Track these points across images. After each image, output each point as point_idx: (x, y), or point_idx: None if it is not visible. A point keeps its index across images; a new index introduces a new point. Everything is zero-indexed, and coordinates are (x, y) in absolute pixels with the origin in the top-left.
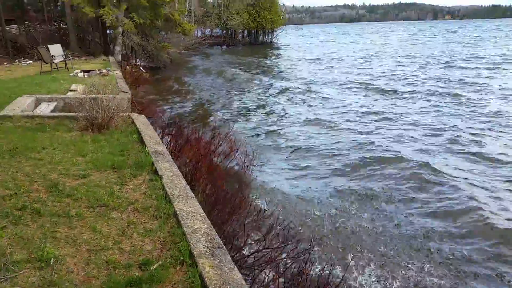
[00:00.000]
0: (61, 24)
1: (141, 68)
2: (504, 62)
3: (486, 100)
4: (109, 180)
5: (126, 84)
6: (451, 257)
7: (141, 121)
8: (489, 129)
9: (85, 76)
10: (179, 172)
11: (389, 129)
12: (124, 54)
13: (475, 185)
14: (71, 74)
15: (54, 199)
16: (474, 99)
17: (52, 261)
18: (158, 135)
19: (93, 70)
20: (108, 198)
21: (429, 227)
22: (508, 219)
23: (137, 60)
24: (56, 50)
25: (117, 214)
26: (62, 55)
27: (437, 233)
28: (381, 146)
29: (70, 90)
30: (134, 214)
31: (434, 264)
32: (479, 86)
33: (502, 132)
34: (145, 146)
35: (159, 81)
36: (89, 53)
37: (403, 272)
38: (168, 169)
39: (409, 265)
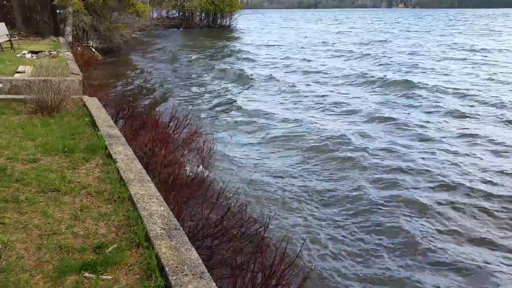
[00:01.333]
0: (4, 1)
1: (93, 50)
2: None
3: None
4: (61, 164)
5: (77, 66)
6: None
7: (93, 104)
8: None
9: (33, 57)
10: (134, 156)
11: None
12: (75, 35)
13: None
14: (18, 55)
15: (2, 184)
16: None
17: (0, 247)
18: (112, 118)
19: (42, 51)
20: (59, 182)
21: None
22: None
23: (89, 41)
24: None
25: (69, 199)
26: (7, 35)
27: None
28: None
29: (17, 72)
30: (87, 198)
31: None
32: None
33: None
34: (98, 129)
35: (112, 63)
36: (38, 33)
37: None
38: (122, 152)
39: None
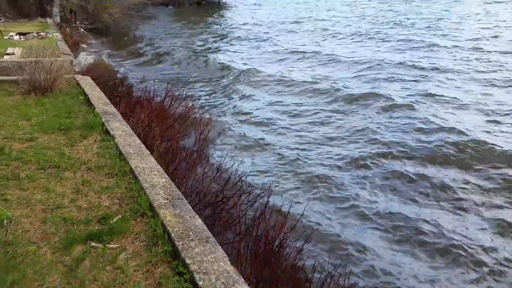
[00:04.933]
0: None
1: (82, 30)
2: None
3: None
4: (58, 142)
5: (67, 47)
6: None
7: (86, 82)
8: None
9: (22, 39)
10: (131, 131)
11: None
12: (63, 16)
13: None
14: (6, 37)
15: (1, 163)
16: None
17: (5, 222)
18: (106, 96)
19: (30, 33)
20: (59, 159)
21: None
22: None
23: (77, 22)
24: None
25: (70, 174)
26: None
27: None
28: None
29: (6, 54)
30: (88, 173)
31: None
32: None
33: None
34: (93, 107)
35: (102, 42)
36: (24, 15)
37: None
38: (119, 128)
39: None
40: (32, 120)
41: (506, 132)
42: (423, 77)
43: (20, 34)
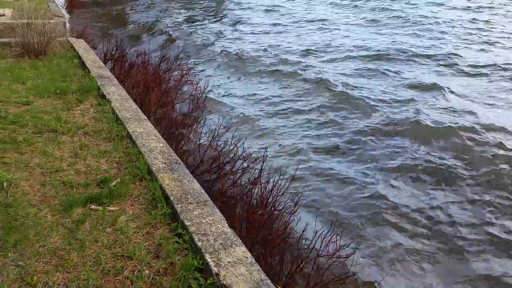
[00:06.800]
0: None
1: None
2: None
3: None
4: (55, 106)
5: (59, 8)
6: None
7: (80, 45)
8: None
9: None
10: (128, 96)
11: None
12: None
13: None
14: None
15: None
16: None
17: (5, 184)
18: (100, 60)
19: None
20: (56, 123)
21: None
22: None
23: None
24: None
25: (67, 138)
26: None
27: None
28: None
29: None
30: (85, 137)
31: None
32: None
33: None
34: (88, 70)
35: (96, 4)
36: None
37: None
38: (115, 92)
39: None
40: (27, 84)
41: None
42: None
43: None
